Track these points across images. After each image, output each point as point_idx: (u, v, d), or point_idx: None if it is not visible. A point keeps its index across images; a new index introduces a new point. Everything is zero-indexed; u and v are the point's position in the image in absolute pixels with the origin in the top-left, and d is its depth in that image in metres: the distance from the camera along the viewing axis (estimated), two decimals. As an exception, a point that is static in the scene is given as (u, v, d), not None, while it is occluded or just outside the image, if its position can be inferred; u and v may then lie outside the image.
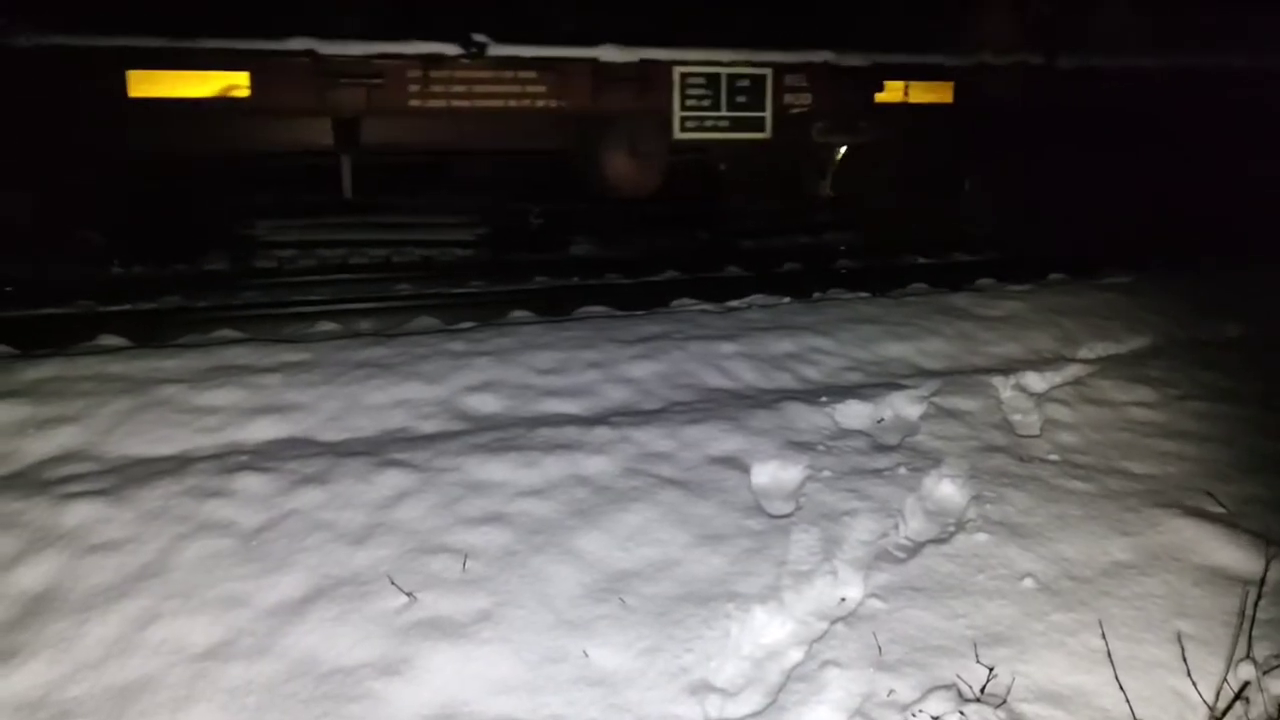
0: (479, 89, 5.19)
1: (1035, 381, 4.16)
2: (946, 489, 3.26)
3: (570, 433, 3.38)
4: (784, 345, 4.35)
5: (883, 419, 3.75)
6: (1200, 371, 4.26)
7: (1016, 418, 3.85)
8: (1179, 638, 2.47)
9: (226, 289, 5.68)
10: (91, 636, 2.39)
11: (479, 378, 3.82)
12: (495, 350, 4.07)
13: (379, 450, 3.24)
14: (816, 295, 5.71)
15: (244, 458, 3.18)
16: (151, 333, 4.59)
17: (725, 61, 5.60)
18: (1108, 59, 6.45)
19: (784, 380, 4.07)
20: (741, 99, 5.68)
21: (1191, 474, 3.37)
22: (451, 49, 5.05)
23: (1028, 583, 2.70)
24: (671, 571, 2.70)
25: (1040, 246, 6.91)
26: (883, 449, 3.47)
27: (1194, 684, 2.28)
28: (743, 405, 3.71)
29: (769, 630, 2.56)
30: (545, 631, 2.45)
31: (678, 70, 5.50)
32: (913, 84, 6.03)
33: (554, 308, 5.35)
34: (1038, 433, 3.72)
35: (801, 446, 3.40)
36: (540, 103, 5.32)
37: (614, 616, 2.51)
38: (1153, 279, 5.91)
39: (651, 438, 3.38)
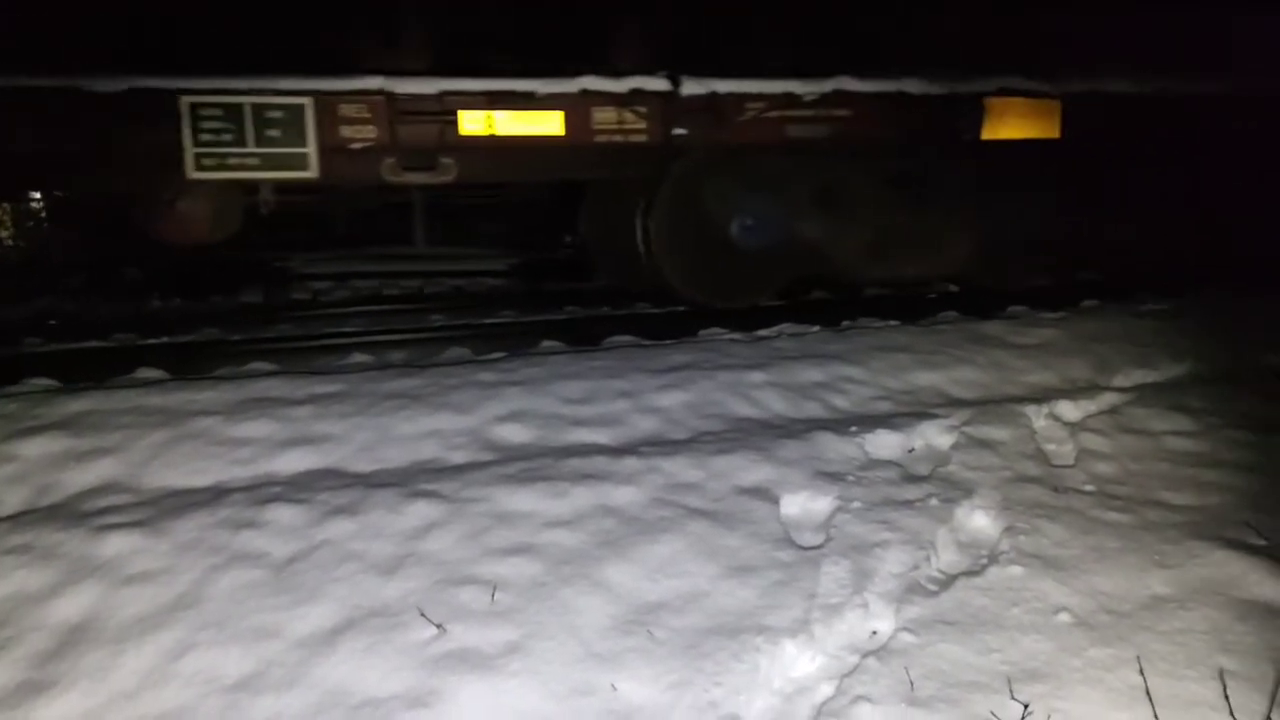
0: None
1: (1069, 410, 4.10)
2: (979, 520, 3.21)
3: (599, 463, 3.39)
4: (813, 374, 4.33)
5: (914, 449, 3.72)
6: (1241, 400, 4.17)
7: (1050, 447, 3.80)
8: (1221, 674, 2.41)
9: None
10: (127, 667, 2.42)
11: (508, 408, 3.85)
12: (525, 380, 4.10)
13: (409, 481, 3.27)
14: (845, 324, 5.69)
15: (276, 489, 3.21)
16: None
17: (244, 90, 4.83)
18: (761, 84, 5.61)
19: (813, 410, 4.05)
20: (275, 133, 4.89)
21: (1233, 505, 3.30)
22: None
23: (1063, 617, 2.65)
24: (700, 603, 2.68)
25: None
26: (914, 479, 3.43)
27: (1238, 723, 2.22)
28: (772, 435, 3.69)
29: (799, 664, 2.53)
30: (573, 664, 2.44)
31: (185, 100, 4.75)
32: (502, 114, 5.22)
33: (583, 337, 5.39)
34: (1072, 463, 3.66)
35: (831, 477, 3.38)
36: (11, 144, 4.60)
37: (642, 649, 2.49)
38: (1191, 307, 5.81)
39: (680, 468, 3.37)
